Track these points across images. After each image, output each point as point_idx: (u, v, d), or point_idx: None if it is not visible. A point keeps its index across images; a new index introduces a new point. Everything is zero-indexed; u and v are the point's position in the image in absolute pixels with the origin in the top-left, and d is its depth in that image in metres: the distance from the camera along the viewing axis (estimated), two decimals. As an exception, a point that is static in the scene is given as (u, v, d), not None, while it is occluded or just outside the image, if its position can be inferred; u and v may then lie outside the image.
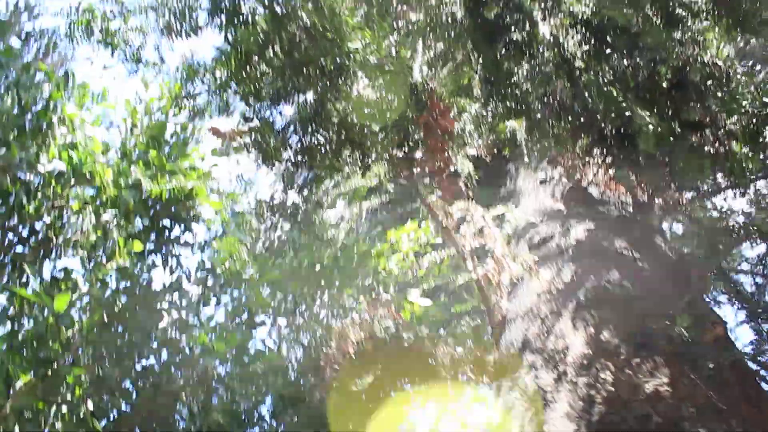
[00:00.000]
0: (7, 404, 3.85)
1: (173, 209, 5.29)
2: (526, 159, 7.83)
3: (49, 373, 4.13)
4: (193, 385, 5.39)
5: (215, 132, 4.63)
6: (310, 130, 4.43)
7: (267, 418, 6.02)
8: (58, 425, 4.30)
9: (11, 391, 3.92)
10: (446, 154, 4.63)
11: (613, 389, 4.32)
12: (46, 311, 4.43)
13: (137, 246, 4.71)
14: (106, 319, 4.67)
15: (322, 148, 4.49)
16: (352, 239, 6.08)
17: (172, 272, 5.27)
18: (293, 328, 5.88)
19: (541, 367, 4.92)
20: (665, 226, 8.13)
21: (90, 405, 4.55)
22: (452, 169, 4.92)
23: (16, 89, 5.16)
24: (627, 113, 4.74)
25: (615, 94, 4.73)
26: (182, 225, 5.35)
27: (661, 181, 6.51)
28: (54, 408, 4.32)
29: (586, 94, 4.90)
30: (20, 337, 4.28)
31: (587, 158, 6.43)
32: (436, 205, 5.83)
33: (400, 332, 5.42)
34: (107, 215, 5.40)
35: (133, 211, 5.27)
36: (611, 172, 7.14)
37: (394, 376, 5.46)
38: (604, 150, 5.94)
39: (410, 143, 4.43)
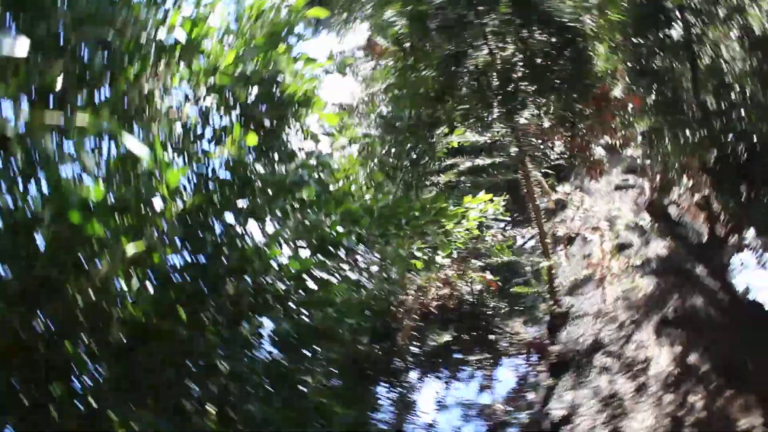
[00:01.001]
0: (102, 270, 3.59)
1: (284, 111, 5.00)
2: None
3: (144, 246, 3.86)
4: (252, 296, 5.15)
5: (371, 46, 4.31)
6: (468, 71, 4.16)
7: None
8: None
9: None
10: (613, 129, 4.41)
11: (704, 416, 4.16)
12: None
13: (252, 139, 4.40)
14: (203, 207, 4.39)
15: (474, 88, 4.21)
16: (440, 194, 5.84)
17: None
18: (363, 266, 5.67)
19: (617, 372, 4.76)
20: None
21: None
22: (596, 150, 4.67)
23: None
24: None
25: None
26: (289, 129, 5.05)
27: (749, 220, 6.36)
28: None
29: (743, 111, 4.69)
30: (113, 200, 3.99)
31: (690, 175, 6.24)
32: (536, 182, 5.61)
33: (483, 298, 5.26)
34: (209, 100, 5.10)
35: (243, 104, 4.98)
36: (697, 196, 6.97)
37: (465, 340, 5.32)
38: (718, 172, 5.76)
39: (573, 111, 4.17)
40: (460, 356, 6.21)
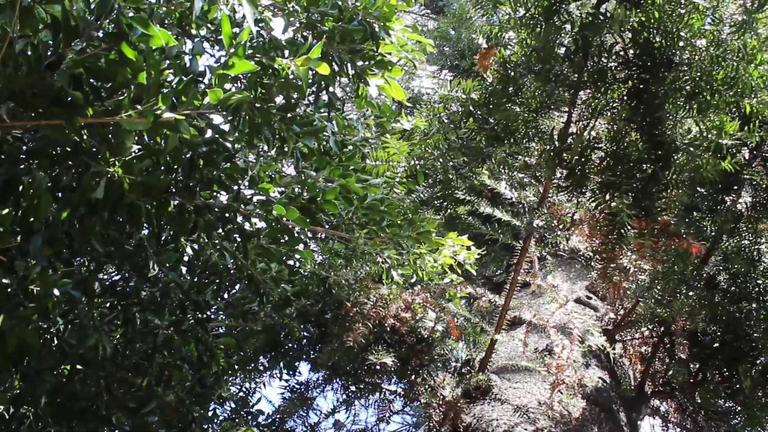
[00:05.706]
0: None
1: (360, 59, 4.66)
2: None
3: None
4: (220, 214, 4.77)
5: (486, 53, 4.02)
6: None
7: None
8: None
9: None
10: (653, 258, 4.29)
11: None
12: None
13: (324, 68, 4.02)
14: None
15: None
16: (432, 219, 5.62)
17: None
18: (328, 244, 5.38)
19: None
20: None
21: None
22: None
23: None
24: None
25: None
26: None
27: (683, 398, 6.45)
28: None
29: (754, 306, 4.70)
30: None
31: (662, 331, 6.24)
32: (529, 259, 5.45)
33: (435, 339, 5.03)
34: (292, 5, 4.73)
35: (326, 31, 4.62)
36: (645, 348, 7.01)
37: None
38: (686, 339, 5.78)
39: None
40: (379, 382, 5.95)
